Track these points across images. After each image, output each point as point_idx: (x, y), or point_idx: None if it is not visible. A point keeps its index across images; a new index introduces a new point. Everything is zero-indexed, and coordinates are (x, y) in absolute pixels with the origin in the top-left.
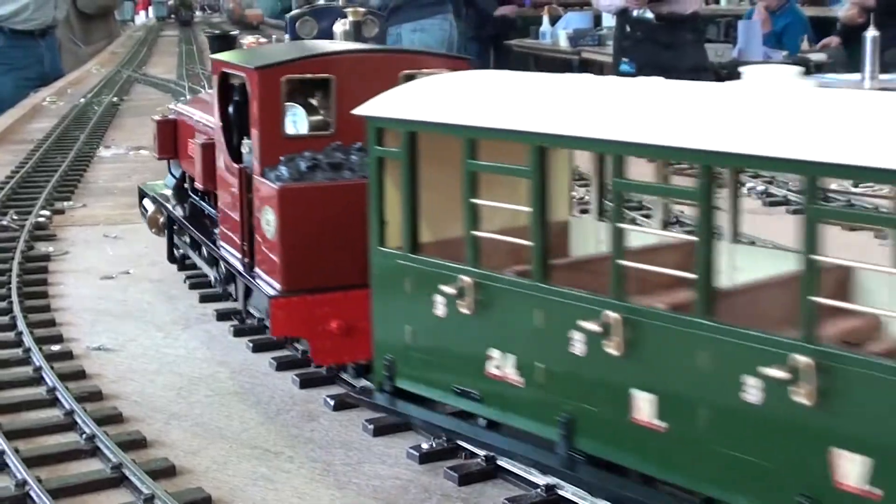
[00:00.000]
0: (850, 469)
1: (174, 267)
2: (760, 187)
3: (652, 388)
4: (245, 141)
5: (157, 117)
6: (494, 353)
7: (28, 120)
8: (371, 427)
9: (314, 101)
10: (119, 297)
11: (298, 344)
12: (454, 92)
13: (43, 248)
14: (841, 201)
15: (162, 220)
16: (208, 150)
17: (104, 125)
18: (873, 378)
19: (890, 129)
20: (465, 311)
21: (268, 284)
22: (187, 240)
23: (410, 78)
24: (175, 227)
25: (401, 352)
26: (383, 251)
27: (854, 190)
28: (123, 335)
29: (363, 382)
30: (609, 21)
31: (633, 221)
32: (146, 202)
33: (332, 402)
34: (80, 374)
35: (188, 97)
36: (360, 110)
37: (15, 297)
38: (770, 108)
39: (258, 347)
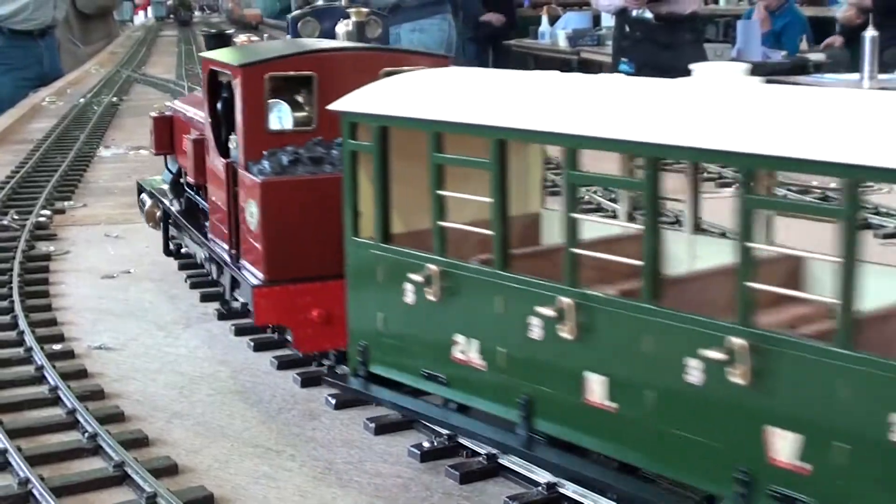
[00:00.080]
0: (783, 446)
1: (175, 266)
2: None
3: (603, 370)
4: (232, 136)
5: (154, 114)
6: (459, 338)
7: (28, 120)
8: (372, 426)
9: (299, 98)
10: (120, 296)
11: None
12: (423, 88)
13: (44, 247)
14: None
15: (158, 213)
16: (199, 145)
17: (104, 125)
18: (803, 359)
19: (824, 123)
20: (431, 298)
21: (252, 274)
22: (183, 232)
23: (390, 75)
24: (171, 221)
25: (373, 338)
26: (357, 241)
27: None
28: (125, 334)
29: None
30: (608, 21)
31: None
32: (144, 197)
33: (333, 401)
34: (82, 373)
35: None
36: (335, 106)
37: (16, 297)
38: (712, 104)
39: (259, 347)
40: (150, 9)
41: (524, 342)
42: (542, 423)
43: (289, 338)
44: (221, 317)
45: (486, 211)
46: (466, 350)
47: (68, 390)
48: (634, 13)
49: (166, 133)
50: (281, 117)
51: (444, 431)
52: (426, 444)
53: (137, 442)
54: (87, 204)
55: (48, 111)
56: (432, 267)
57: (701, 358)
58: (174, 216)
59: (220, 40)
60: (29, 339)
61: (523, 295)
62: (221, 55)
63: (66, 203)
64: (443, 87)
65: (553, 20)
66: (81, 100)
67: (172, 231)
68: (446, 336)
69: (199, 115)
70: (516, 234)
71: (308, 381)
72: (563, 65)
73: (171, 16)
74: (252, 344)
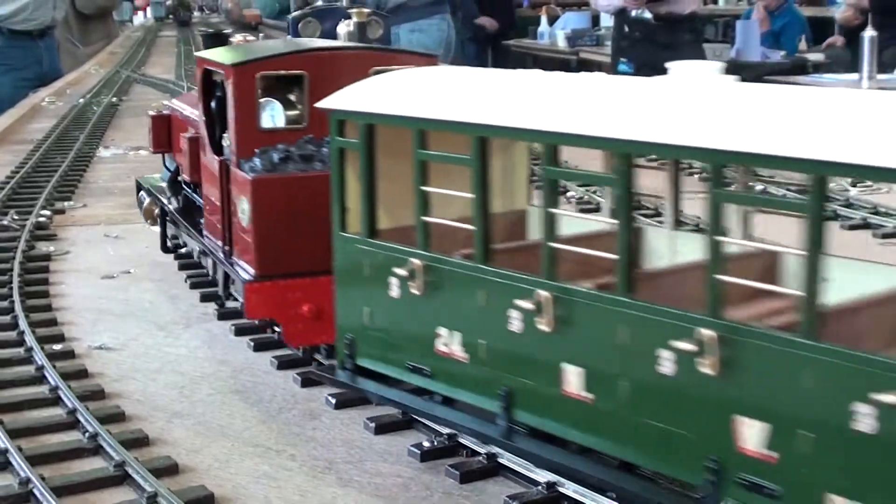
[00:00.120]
0: (751, 434)
1: (175, 266)
2: (759, 186)
3: (580, 362)
4: (225, 134)
5: (152, 112)
6: (442, 331)
7: (27, 120)
8: (372, 425)
9: (291, 97)
10: (120, 296)
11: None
12: (409, 86)
13: (44, 247)
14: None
15: (156, 211)
16: (194, 143)
17: (103, 125)
18: (770, 350)
19: (792, 120)
20: (415, 291)
21: (243, 270)
22: (180, 229)
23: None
24: (168, 218)
25: (360, 331)
26: (344, 236)
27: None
28: (125, 334)
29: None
30: (607, 21)
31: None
32: (142, 194)
33: (333, 401)
34: (83, 373)
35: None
36: (322, 103)
37: (16, 297)
38: (685, 101)
39: (259, 346)
40: (149, 9)
41: (504, 335)
42: (522, 414)
43: (277, 328)
44: (221, 317)
45: (469, 207)
46: (449, 343)
47: (69, 390)
48: (633, 13)
49: (164, 131)
50: (273, 115)
51: (440, 428)
52: (426, 444)
53: (138, 442)
54: (86, 204)
55: (48, 111)
56: (416, 261)
57: (673, 349)
58: (172, 213)
59: (217, 40)
60: (29, 339)
61: (503, 288)
62: (215, 55)
63: (65, 203)
64: (427, 86)
65: (552, 20)
66: (81, 100)
67: (170, 228)
68: (430, 329)
69: (196, 113)
70: (502, 230)
71: (308, 381)
72: (563, 65)
73: (171, 16)
74: (252, 344)
